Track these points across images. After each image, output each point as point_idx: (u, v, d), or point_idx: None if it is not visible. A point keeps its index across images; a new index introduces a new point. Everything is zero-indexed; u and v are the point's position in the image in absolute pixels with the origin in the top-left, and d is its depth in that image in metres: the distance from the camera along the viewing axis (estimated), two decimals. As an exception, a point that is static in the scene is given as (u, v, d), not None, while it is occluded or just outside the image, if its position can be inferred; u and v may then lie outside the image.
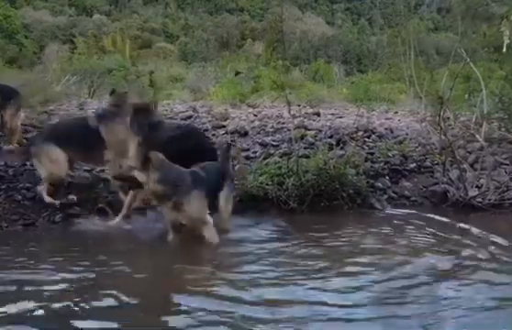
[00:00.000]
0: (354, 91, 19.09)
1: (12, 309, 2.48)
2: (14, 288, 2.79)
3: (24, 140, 5.95)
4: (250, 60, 27.66)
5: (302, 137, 6.73)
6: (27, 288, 2.78)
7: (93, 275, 3.04)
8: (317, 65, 27.06)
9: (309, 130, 7.44)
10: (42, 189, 4.24)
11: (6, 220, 3.87)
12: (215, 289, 2.90)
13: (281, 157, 5.69)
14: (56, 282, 2.89)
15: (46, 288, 2.79)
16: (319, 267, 3.34)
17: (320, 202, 4.72)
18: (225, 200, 3.96)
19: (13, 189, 4.23)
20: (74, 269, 3.13)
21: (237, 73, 19.13)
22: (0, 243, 3.58)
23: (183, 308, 2.64)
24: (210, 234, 3.67)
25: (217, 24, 48.71)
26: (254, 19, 51.15)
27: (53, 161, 4.29)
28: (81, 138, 4.36)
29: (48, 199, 4.22)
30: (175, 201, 3.51)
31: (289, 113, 5.16)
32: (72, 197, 4.24)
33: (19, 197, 4.14)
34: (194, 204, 3.57)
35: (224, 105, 12.46)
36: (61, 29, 41.73)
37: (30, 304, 2.55)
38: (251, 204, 4.67)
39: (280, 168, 4.85)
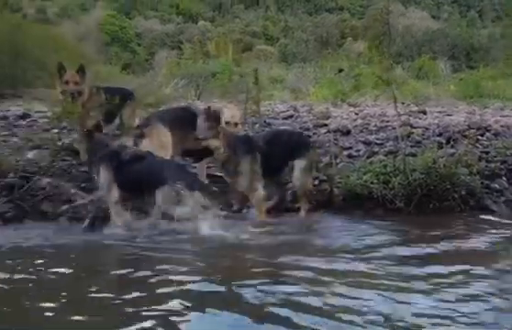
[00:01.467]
0: (463, 87, 17.98)
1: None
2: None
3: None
4: (351, 59, 27.12)
5: (408, 136, 6.47)
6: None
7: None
8: (422, 62, 25.75)
9: (415, 128, 7.13)
10: None
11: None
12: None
13: (386, 155, 5.52)
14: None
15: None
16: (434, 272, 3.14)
17: (429, 202, 4.49)
18: None
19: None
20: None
21: (340, 71, 18.89)
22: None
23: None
24: None
25: (316, 24, 48.46)
26: (354, 17, 50.05)
27: (162, 144, 4.59)
28: (190, 124, 4.61)
29: None
30: None
31: (395, 109, 4.97)
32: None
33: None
34: None
35: (325, 105, 12.37)
36: (170, 36, 44.22)
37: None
38: (355, 203, 4.59)
39: (385, 166, 4.70)
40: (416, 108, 12.23)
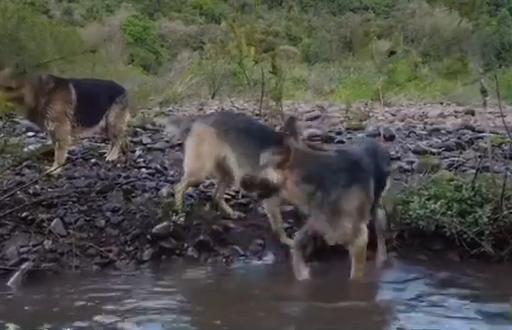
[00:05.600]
0: (495, 87, 16.54)
1: None
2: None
3: (131, 144, 5.17)
4: (376, 59, 25.80)
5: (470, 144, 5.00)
6: None
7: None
8: (450, 61, 24.65)
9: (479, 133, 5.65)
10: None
11: (80, 257, 2.86)
12: None
13: (451, 170, 4.07)
14: None
15: None
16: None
17: (529, 245, 3.02)
18: None
19: (96, 210, 3.23)
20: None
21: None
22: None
23: None
24: None
25: (340, 24, 47.24)
26: (379, 17, 48.73)
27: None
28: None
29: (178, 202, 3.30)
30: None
31: (484, 105, 3.48)
32: (170, 224, 3.11)
33: (102, 223, 3.13)
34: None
35: (355, 105, 10.93)
36: (193, 37, 43.71)
37: None
38: (416, 243, 3.16)
39: (459, 188, 3.23)
40: (461, 108, 10.71)
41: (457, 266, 3.03)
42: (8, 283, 2.62)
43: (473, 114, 9.68)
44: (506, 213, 2.94)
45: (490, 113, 10.17)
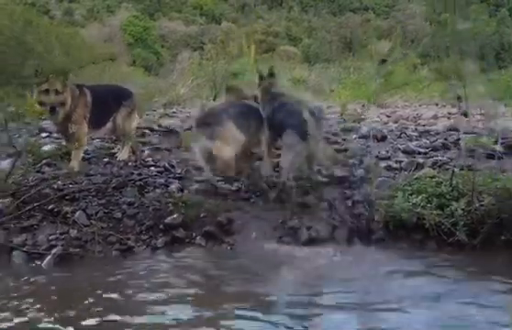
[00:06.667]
0: (493, 89, 16.74)
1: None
2: None
3: (140, 145, 5.53)
4: (375, 60, 26.04)
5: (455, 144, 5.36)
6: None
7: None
8: (448, 64, 24.67)
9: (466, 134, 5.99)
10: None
11: (102, 244, 3.25)
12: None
13: (434, 168, 4.45)
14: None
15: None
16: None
17: (499, 234, 3.40)
18: None
19: (114, 204, 3.63)
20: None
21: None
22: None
23: None
24: None
25: (340, 24, 47.38)
26: (379, 18, 48.84)
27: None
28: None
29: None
30: None
31: (458, 110, 3.88)
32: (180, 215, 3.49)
33: (119, 214, 3.52)
34: None
35: (352, 106, 11.28)
36: (193, 38, 43.78)
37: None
38: (400, 233, 3.53)
39: (439, 185, 3.62)
40: (455, 110, 11.04)
41: (435, 253, 3.40)
42: (42, 264, 3.03)
43: (466, 115, 9.99)
44: (477, 205, 3.33)
45: (482, 114, 10.56)
